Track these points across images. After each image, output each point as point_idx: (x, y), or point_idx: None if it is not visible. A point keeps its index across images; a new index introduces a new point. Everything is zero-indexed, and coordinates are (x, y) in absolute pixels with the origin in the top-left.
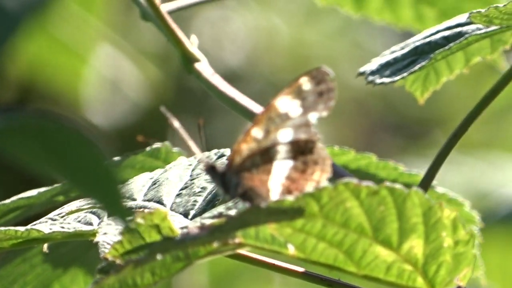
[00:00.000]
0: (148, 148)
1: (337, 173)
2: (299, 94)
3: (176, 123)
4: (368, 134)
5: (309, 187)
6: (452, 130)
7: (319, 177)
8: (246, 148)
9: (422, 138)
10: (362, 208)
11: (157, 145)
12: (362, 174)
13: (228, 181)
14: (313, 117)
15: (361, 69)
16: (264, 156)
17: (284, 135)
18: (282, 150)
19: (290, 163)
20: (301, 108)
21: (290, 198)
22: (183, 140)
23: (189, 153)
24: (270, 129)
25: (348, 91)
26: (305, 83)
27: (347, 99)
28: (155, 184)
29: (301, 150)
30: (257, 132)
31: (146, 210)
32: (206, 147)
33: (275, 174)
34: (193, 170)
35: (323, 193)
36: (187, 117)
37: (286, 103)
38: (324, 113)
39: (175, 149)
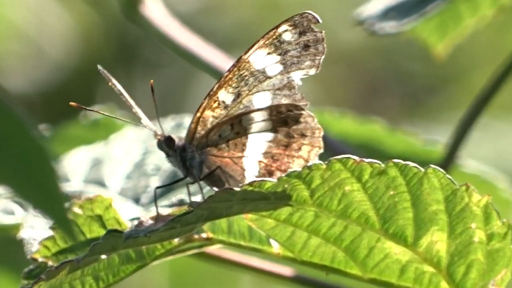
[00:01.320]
0: (83, 117)
1: (332, 147)
2: (279, 46)
3: (117, 85)
4: (366, 96)
5: (295, 166)
6: (473, 87)
7: (308, 153)
8: (211, 115)
9: (435, 99)
10: (366, 193)
11: (94, 112)
12: (364, 147)
13: (190, 158)
14: (297, 76)
15: (359, 15)
16: (236, 126)
17: (261, 100)
18: (259, 119)
19: (270, 135)
20: (281, 65)
21: (271, 180)
22: (129, 107)
23: (138, 122)
24: (241, 92)
25: (337, 44)
26: (286, 33)
27: (337, 54)
28: (94, 162)
29: (283, 119)
30: (225, 95)
31: (84, 196)
32: (159, 115)
33: (251, 149)
34: (143, 144)
35: (314, 173)
36: (133, 76)
37: (261, 58)
38: (311, 71)
39: (119, 117)
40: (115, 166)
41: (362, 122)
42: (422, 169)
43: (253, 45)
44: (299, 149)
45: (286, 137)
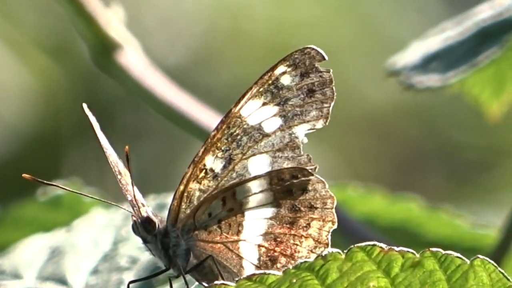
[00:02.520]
0: (41, 194)
1: (354, 231)
2: (276, 94)
3: (110, 153)
4: (400, 172)
5: (304, 249)
6: None
7: (319, 231)
8: (197, 189)
9: (487, 176)
10: None
11: (55, 187)
12: (396, 232)
13: (174, 245)
14: (301, 131)
15: (393, 64)
16: (228, 201)
17: (258, 165)
18: (256, 190)
19: (271, 211)
20: (281, 118)
21: (275, 273)
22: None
23: (109, 202)
24: (233, 156)
25: (364, 106)
26: (284, 75)
27: (364, 118)
28: (54, 253)
29: (286, 188)
30: (213, 161)
31: None
32: (134, 190)
33: (248, 230)
34: (116, 230)
35: (330, 264)
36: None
37: (256, 111)
38: (319, 124)
39: (87, 194)
40: (79, 258)
41: (395, 200)
42: (468, 261)
43: (244, 94)
44: (308, 226)
45: (291, 212)
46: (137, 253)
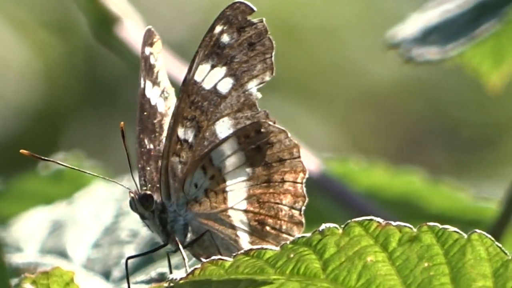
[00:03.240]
0: (43, 168)
1: (355, 204)
2: (221, 54)
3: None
4: (402, 147)
5: (286, 208)
6: None
7: (294, 185)
8: (178, 161)
9: (488, 151)
10: (393, 265)
11: (54, 162)
12: (397, 204)
13: (172, 220)
14: (253, 87)
15: (392, 37)
16: (208, 168)
17: (223, 129)
18: (229, 152)
19: (247, 172)
20: (232, 78)
21: (272, 248)
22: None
23: (109, 177)
24: (201, 123)
25: (367, 80)
26: (223, 35)
27: (364, 91)
28: (55, 226)
29: (254, 145)
30: (184, 131)
31: (39, 269)
32: (132, 166)
33: (233, 196)
34: (117, 203)
35: (328, 239)
36: (108, 121)
37: (208, 74)
38: (267, 76)
39: (88, 167)
40: (80, 232)
41: (396, 174)
42: (465, 235)
43: (193, 60)
44: (283, 181)
45: (265, 169)
46: (137, 226)
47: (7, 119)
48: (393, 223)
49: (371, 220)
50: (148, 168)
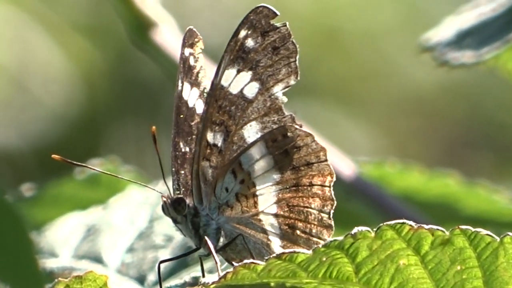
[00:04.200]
0: (79, 172)
1: (389, 207)
2: (246, 58)
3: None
4: (444, 151)
5: (315, 211)
6: None
7: (322, 189)
8: (208, 165)
9: None
10: (426, 268)
11: (89, 166)
12: (433, 208)
13: (205, 224)
14: (278, 91)
15: (427, 40)
16: (238, 173)
17: (251, 133)
18: (257, 156)
19: (276, 176)
20: (258, 82)
21: (305, 251)
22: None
23: (143, 182)
24: (229, 128)
25: (405, 83)
26: (247, 39)
27: (405, 95)
28: (90, 231)
29: (281, 149)
30: (213, 136)
31: (74, 273)
32: (164, 171)
33: (263, 200)
34: (152, 208)
35: (360, 243)
36: (147, 127)
37: (234, 79)
38: (292, 80)
39: (124, 172)
40: (115, 236)
41: (432, 176)
42: (498, 238)
43: (219, 64)
44: (311, 184)
45: (293, 173)
46: (172, 231)
47: (46, 125)
48: (426, 226)
49: (403, 223)
50: (182, 172)
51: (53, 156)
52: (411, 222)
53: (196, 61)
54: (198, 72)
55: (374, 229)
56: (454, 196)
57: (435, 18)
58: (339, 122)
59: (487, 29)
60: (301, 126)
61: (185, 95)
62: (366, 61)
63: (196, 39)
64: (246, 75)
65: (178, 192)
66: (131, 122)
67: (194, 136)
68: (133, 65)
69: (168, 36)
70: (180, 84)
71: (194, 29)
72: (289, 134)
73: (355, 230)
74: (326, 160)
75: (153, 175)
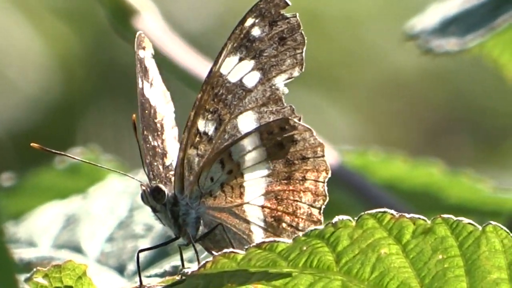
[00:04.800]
0: (59, 162)
1: (371, 196)
2: (250, 47)
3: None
4: (425, 137)
5: (305, 205)
6: None
7: (315, 184)
8: (195, 154)
9: (509, 142)
10: (407, 257)
11: (68, 155)
12: (416, 196)
13: (184, 213)
14: (280, 82)
15: (411, 28)
16: (226, 163)
17: (246, 123)
18: (250, 147)
19: (267, 168)
20: (259, 72)
21: (285, 240)
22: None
23: (122, 171)
24: (222, 116)
25: (387, 69)
26: (254, 28)
27: (387, 81)
28: (69, 220)
29: (277, 142)
30: (204, 124)
31: (53, 263)
32: (144, 159)
33: (250, 191)
34: (132, 197)
35: (341, 232)
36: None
37: (235, 67)
38: (295, 72)
39: (105, 161)
40: (94, 226)
41: (416, 165)
42: (480, 227)
43: (221, 52)
44: (304, 179)
45: (286, 166)
46: (152, 220)
47: (23, 111)
48: (407, 215)
49: (384, 212)
50: (155, 164)
51: (32, 144)
52: (392, 211)
53: (149, 64)
54: (153, 77)
55: (355, 218)
56: (438, 185)
57: (418, 4)
58: (320, 108)
59: (472, 16)
60: (300, 119)
61: (146, 93)
62: (348, 46)
63: (146, 44)
64: (248, 63)
65: (154, 182)
66: (109, 108)
67: (159, 133)
68: (111, 51)
69: (150, 24)
70: (140, 82)
71: (143, 35)
72: (287, 127)
73: (336, 219)
74: (323, 156)
75: (131, 161)
